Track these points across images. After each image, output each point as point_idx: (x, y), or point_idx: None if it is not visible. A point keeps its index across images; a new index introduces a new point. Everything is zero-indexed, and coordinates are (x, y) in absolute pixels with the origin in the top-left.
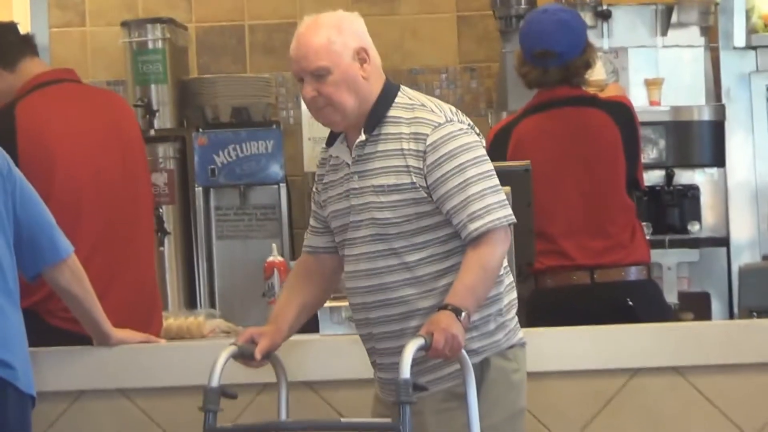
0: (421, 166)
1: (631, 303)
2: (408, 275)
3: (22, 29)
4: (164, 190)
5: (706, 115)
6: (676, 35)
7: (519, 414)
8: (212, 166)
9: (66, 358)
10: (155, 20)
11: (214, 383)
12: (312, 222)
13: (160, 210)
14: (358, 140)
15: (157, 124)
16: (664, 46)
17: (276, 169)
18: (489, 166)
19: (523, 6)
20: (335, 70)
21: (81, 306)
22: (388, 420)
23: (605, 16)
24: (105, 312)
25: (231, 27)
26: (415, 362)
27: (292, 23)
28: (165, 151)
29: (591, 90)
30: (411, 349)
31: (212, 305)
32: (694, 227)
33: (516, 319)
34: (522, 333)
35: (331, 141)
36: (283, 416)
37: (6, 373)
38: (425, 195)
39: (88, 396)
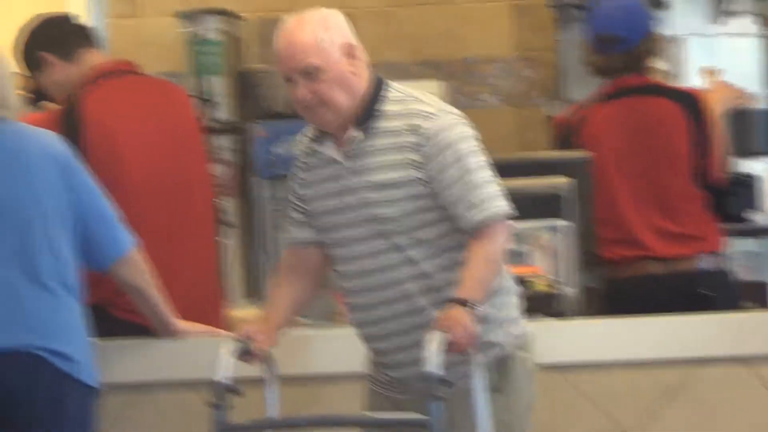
0: (419, 159)
1: (704, 292)
2: (412, 270)
3: (80, 21)
4: (224, 182)
5: (764, 104)
6: (732, 23)
7: (532, 403)
8: (271, 157)
9: (130, 350)
10: (212, 11)
11: (222, 378)
12: (293, 215)
13: (222, 202)
14: (348, 135)
15: (215, 115)
16: (721, 35)
17: None
18: (483, 156)
19: None
20: (326, 67)
21: (144, 299)
22: (417, 415)
23: (662, 5)
24: (168, 304)
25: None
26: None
27: (349, 12)
28: (224, 143)
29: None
30: (435, 344)
31: None
32: (752, 216)
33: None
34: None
35: (318, 137)
36: (273, 413)
37: (67, 366)
38: (424, 188)
39: (153, 388)
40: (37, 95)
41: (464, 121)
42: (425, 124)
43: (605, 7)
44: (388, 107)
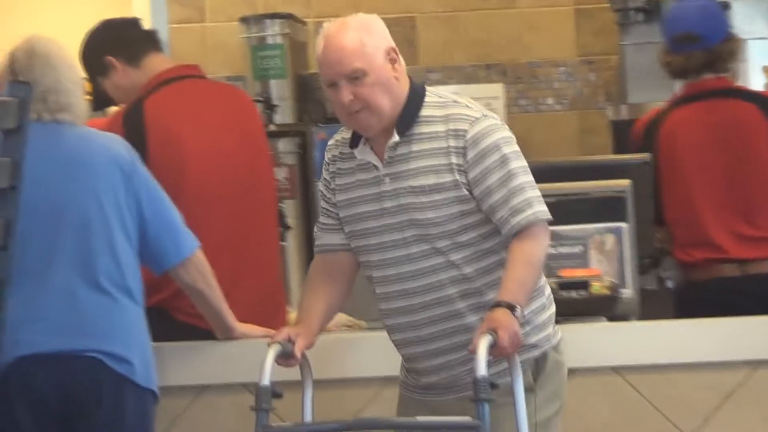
0: (462, 162)
1: None
2: (455, 273)
3: (146, 25)
4: (285, 185)
5: None
6: None
7: (563, 406)
8: None
9: (190, 353)
10: (274, 15)
11: (266, 381)
12: (324, 220)
13: (282, 205)
14: (391, 141)
15: (276, 119)
16: None
17: None
18: (525, 161)
19: None
20: (370, 72)
21: (205, 301)
22: (467, 418)
23: (724, 8)
24: (231, 307)
25: None
26: (471, 359)
27: (410, 17)
28: (285, 146)
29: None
30: (484, 346)
31: None
32: None
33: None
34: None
35: (354, 142)
36: (309, 416)
37: (124, 369)
38: (467, 192)
39: (212, 390)
40: (101, 100)
41: (504, 125)
42: (468, 128)
43: (682, 6)
44: (429, 112)
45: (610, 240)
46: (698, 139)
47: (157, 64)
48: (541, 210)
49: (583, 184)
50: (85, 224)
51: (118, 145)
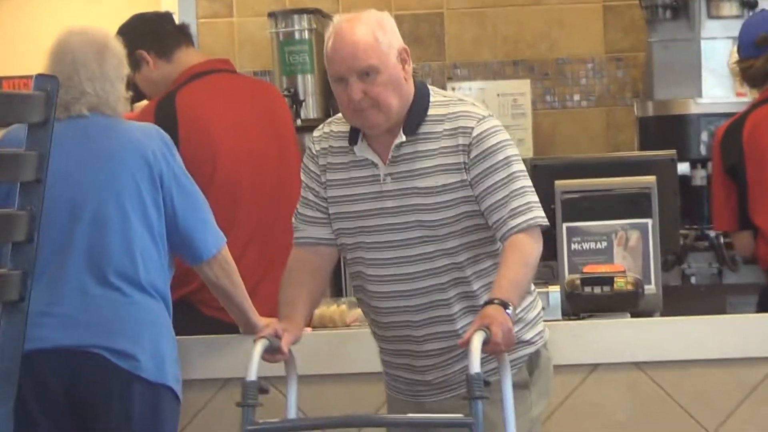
0: (467, 160)
1: None
2: (459, 274)
3: (177, 20)
4: None
5: None
6: None
7: (548, 400)
8: None
9: (212, 347)
10: (302, 11)
11: (252, 377)
12: (310, 212)
13: None
14: (397, 141)
15: (303, 114)
16: None
17: None
18: (523, 165)
19: None
20: (383, 69)
21: (229, 298)
22: (460, 415)
23: (752, 5)
24: (257, 303)
25: None
26: (464, 357)
27: (438, 13)
28: None
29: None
30: (478, 343)
31: None
32: None
33: None
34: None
35: (353, 138)
36: (293, 412)
37: (129, 365)
38: (472, 191)
39: (234, 384)
40: (132, 94)
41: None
42: (474, 125)
43: (757, 15)
44: (435, 111)
45: (634, 236)
46: None
47: (188, 58)
48: (540, 216)
49: (608, 181)
50: (101, 219)
51: (150, 138)
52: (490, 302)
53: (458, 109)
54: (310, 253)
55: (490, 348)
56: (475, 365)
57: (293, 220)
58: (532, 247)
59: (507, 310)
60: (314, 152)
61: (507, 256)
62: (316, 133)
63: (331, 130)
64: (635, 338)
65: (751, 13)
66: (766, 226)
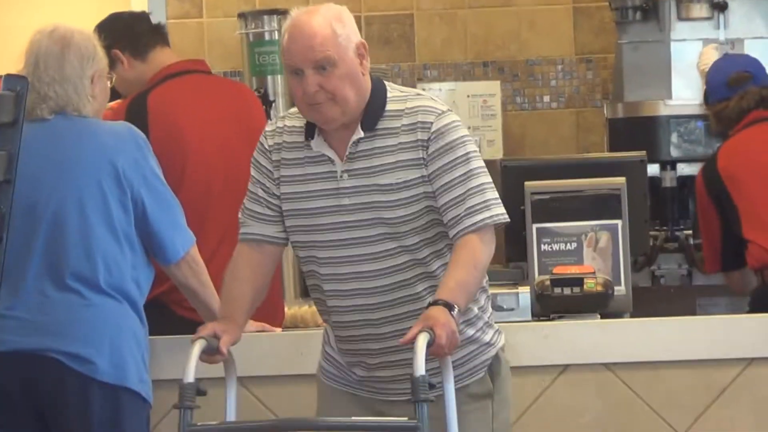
0: (425, 155)
1: None
2: (422, 270)
3: (153, 19)
4: None
5: None
6: None
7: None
8: None
9: (183, 346)
10: (272, 12)
11: (190, 378)
12: (258, 209)
13: None
14: (354, 137)
15: (273, 114)
16: None
17: None
18: (482, 162)
19: None
20: (341, 63)
21: (198, 298)
22: (404, 419)
23: (721, 7)
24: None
25: None
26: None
27: (408, 14)
28: None
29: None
30: (422, 345)
31: None
32: None
33: None
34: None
35: (309, 133)
36: (232, 415)
37: (86, 368)
38: (431, 186)
39: (204, 383)
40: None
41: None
42: (433, 120)
43: (724, 58)
44: (393, 107)
45: (604, 237)
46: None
47: (163, 58)
48: (498, 213)
49: (578, 182)
50: (60, 223)
51: (119, 139)
52: (434, 303)
53: (416, 104)
54: (255, 251)
55: (433, 351)
56: (420, 367)
57: (240, 214)
58: (483, 249)
59: (452, 312)
60: (266, 147)
61: (457, 257)
62: (268, 128)
63: (285, 125)
64: (605, 339)
65: (721, 16)
66: (755, 236)
